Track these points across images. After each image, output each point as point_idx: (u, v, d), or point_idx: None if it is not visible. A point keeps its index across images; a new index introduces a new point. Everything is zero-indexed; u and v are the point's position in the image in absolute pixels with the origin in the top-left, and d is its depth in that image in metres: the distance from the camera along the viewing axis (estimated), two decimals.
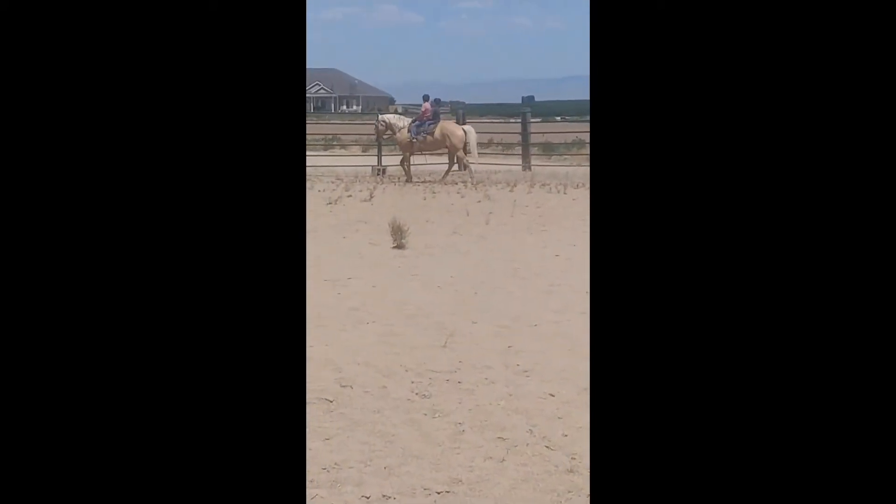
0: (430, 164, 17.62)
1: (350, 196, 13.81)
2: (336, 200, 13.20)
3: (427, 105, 17.13)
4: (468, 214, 11.68)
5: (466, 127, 17.22)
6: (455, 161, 16.58)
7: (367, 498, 3.24)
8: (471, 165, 16.39)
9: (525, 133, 19.93)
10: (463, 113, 21.97)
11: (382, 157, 18.34)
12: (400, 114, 18.72)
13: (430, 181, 16.16)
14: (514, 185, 15.09)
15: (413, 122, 16.86)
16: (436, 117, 16.88)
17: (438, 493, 3.24)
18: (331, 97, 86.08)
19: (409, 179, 16.35)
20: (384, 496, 3.25)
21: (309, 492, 3.26)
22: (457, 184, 15.74)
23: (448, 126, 16.84)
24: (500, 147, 23.50)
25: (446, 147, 16.63)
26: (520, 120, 21.02)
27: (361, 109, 77.01)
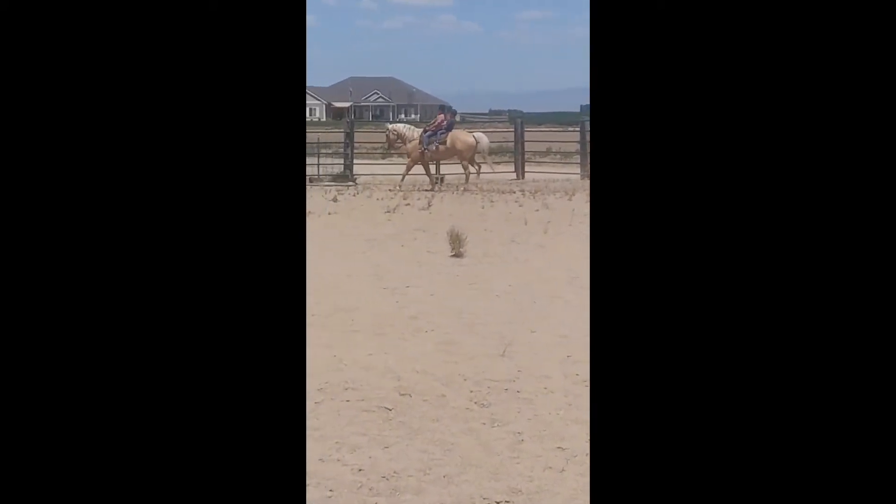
0: (486, 173, 17.62)
1: (408, 204, 13.88)
2: (394, 209, 13.28)
3: (441, 115, 17.41)
4: (526, 223, 11.65)
5: (477, 134, 17.45)
6: (469, 167, 16.82)
7: None
8: (473, 171, 16.65)
9: (583, 142, 19.83)
10: (521, 122, 21.94)
11: (442, 166, 18.41)
12: (407, 123, 18.89)
13: (487, 190, 16.16)
14: (573, 194, 15.01)
15: (424, 131, 16.99)
16: (449, 127, 17.03)
17: (497, 503, 3.24)
18: (389, 106, 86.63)
19: (433, 185, 16.52)
20: None
21: (368, 499, 3.29)
22: (514, 192, 15.73)
23: (458, 134, 17.02)
24: (558, 156, 23.41)
25: (457, 156, 16.83)
26: (578, 129, 20.93)
27: (419, 118, 77.37)
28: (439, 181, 17.27)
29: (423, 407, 4.33)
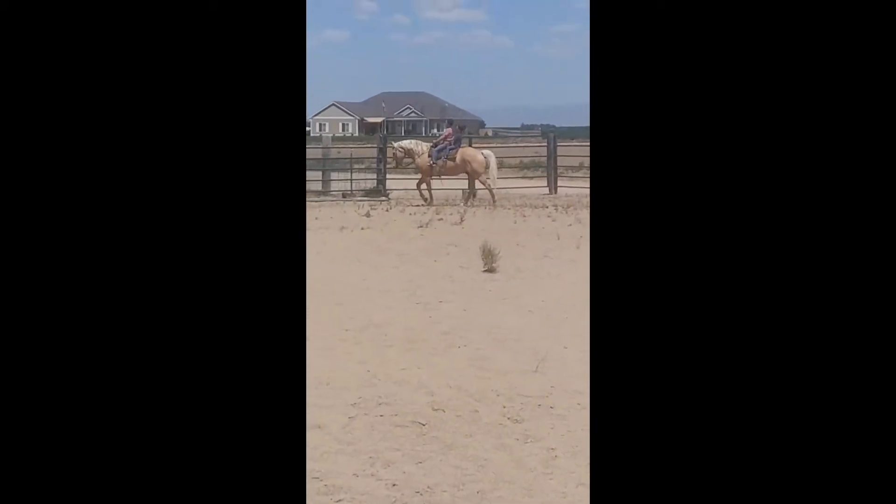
0: (515, 187, 17.61)
1: (441, 219, 13.92)
2: (427, 223, 13.32)
3: (449, 130, 17.47)
4: (559, 238, 11.63)
5: (486, 151, 17.38)
6: (476, 185, 16.82)
7: None
8: (492, 189, 16.56)
9: None
10: (554, 136, 21.93)
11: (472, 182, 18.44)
12: (418, 140, 18.89)
13: (519, 205, 16.16)
14: None
15: (433, 146, 16.99)
16: (457, 143, 17.05)
17: None
18: (422, 120, 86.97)
19: (430, 202, 16.44)
20: None
21: None
22: (546, 207, 15.71)
23: (468, 151, 17.00)
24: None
25: (466, 172, 16.79)
26: None
27: None
28: (472, 196, 17.29)
29: (457, 422, 4.34)
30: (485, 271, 8.97)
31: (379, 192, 18.10)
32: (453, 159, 16.60)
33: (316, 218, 14.19)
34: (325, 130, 72.02)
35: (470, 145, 18.37)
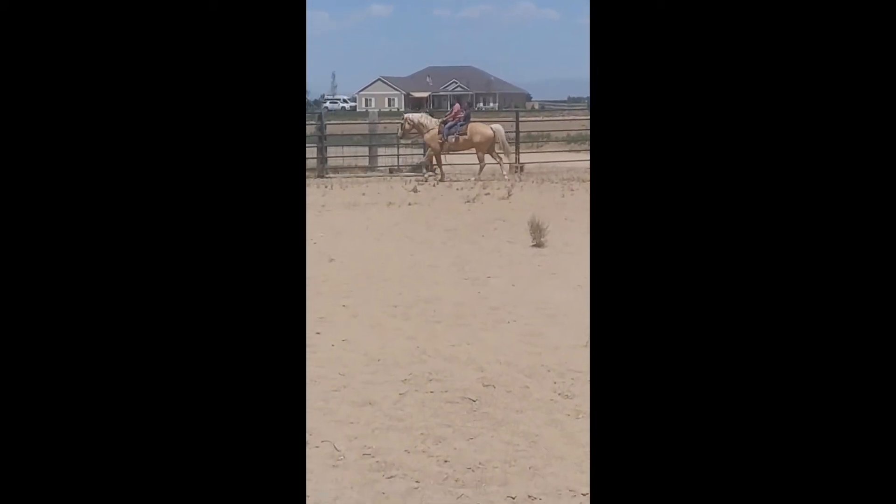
0: (562, 161, 17.49)
1: (488, 194, 13.88)
2: (474, 198, 13.29)
3: (458, 107, 17.44)
4: None
5: (495, 126, 17.31)
6: (485, 160, 16.75)
7: (513, 498, 3.26)
8: (493, 162, 16.63)
9: None
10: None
11: (521, 155, 18.36)
12: (427, 114, 18.79)
13: (567, 178, 16.05)
14: None
15: (443, 122, 16.90)
16: (466, 119, 16.99)
17: (584, 495, 3.23)
18: (467, 94, 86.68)
19: (441, 178, 16.46)
20: (530, 497, 3.26)
21: (454, 491, 3.31)
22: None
23: (476, 127, 16.94)
24: None
25: (474, 146, 16.75)
26: None
27: (498, 107, 77.22)
28: (519, 170, 17.23)
29: (507, 398, 4.34)
30: (533, 246, 8.93)
31: (426, 167, 18.08)
32: (464, 134, 16.61)
33: (363, 194, 14.24)
34: (371, 105, 72.09)
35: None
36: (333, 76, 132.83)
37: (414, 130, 17.19)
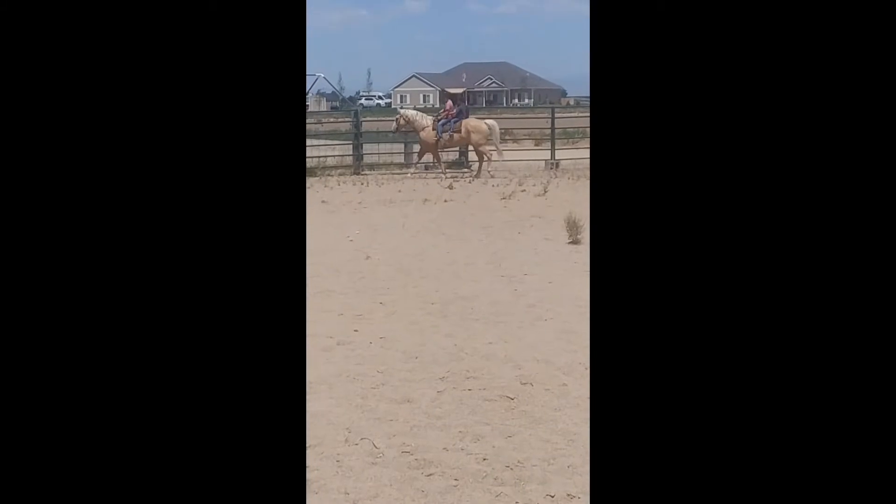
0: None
1: (524, 191, 13.86)
2: (510, 195, 13.27)
3: (450, 104, 17.36)
4: None
5: (489, 122, 17.25)
6: (481, 156, 16.71)
7: (552, 497, 3.26)
8: (491, 158, 16.65)
9: None
10: None
11: (556, 151, 18.29)
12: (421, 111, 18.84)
13: None
14: None
15: (437, 119, 16.85)
16: (460, 115, 16.92)
17: None
18: (503, 91, 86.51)
19: (443, 170, 16.70)
20: (569, 495, 3.26)
21: (493, 489, 3.32)
22: None
23: (471, 122, 16.87)
24: None
25: (470, 143, 16.75)
26: None
27: (533, 103, 76.97)
28: (555, 166, 17.18)
29: (545, 396, 4.33)
30: (569, 243, 8.90)
31: (462, 163, 18.09)
32: (458, 131, 16.60)
33: (399, 191, 14.28)
34: (406, 102, 72.23)
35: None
36: (369, 73, 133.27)
37: (407, 126, 17.18)
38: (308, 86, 33.57)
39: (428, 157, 17.30)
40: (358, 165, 17.43)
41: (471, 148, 17.04)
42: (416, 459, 3.60)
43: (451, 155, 18.57)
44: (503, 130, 18.84)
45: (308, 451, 3.67)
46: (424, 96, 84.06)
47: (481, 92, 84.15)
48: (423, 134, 16.75)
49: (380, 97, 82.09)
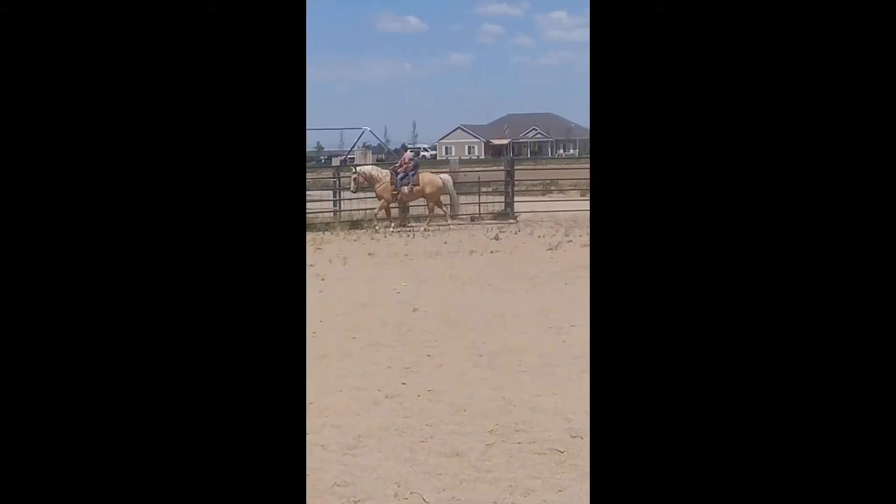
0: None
1: (570, 241, 13.83)
2: (556, 246, 13.26)
3: (408, 154, 17.41)
4: None
5: (443, 176, 17.51)
6: (433, 209, 16.90)
7: None
8: (447, 209, 16.97)
9: None
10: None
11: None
12: (375, 164, 18.91)
13: None
14: None
15: (394, 172, 16.85)
16: (416, 168, 16.98)
17: None
18: (548, 141, 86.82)
19: (399, 222, 16.72)
20: None
21: None
22: None
23: (426, 176, 17.04)
24: None
25: (424, 196, 16.84)
26: None
27: (578, 153, 77.06)
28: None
29: None
30: None
31: (507, 214, 18.14)
32: (417, 184, 16.68)
33: (445, 242, 14.35)
34: (451, 154, 72.81)
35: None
36: (414, 125, 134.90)
37: (366, 183, 17.16)
38: (354, 139, 34.02)
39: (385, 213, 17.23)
40: (404, 217, 17.57)
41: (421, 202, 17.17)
42: None
43: (496, 206, 18.63)
44: (549, 181, 18.88)
45: None
46: (469, 147, 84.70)
47: (526, 143, 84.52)
48: (379, 189, 16.83)
49: (425, 149, 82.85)
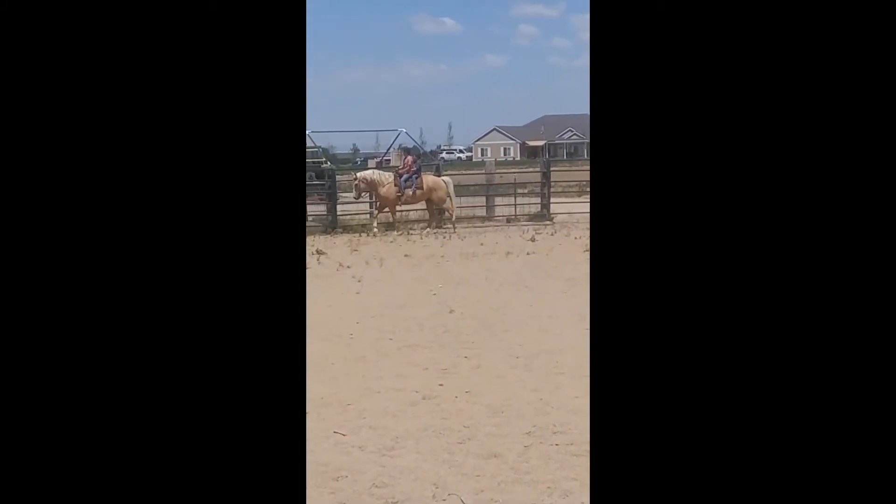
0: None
1: None
2: None
3: (409, 158, 17.23)
4: None
5: (445, 178, 17.38)
6: (439, 211, 16.92)
7: None
8: (453, 213, 16.97)
9: None
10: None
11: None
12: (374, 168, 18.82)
13: None
14: None
15: (398, 175, 16.73)
16: (419, 170, 16.89)
17: None
18: (584, 143, 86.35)
19: (397, 228, 16.54)
20: None
21: None
22: None
23: (432, 179, 16.96)
24: None
25: (430, 199, 16.78)
26: None
27: None
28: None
29: None
30: None
31: (543, 216, 18.10)
32: (420, 187, 16.57)
33: (481, 244, 14.35)
34: (486, 155, 72.75)
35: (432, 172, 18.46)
36: (449, 127, 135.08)
37: (368, 188, 17.00)
38: (390, 141, 34.06)
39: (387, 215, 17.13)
40: (440, 219, 17.60)
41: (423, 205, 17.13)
42: None
43: (531, 208, 18.57)
44: (585, 182, 18.78)
45: None
46: (505, 149, 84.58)
47: (562, 144, 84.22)
48: (382, 191, 16.67)
49: (461, 150, 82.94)
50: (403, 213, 17.55)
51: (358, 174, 17.60)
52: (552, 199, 18.76)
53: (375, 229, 16.45)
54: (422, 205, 17.57)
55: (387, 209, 16.87)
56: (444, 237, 15.53)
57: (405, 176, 16.68)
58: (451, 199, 16.96)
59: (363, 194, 17.17)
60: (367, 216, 17.77)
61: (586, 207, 17.05)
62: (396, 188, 16.61)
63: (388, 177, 16.92)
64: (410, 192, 16.62)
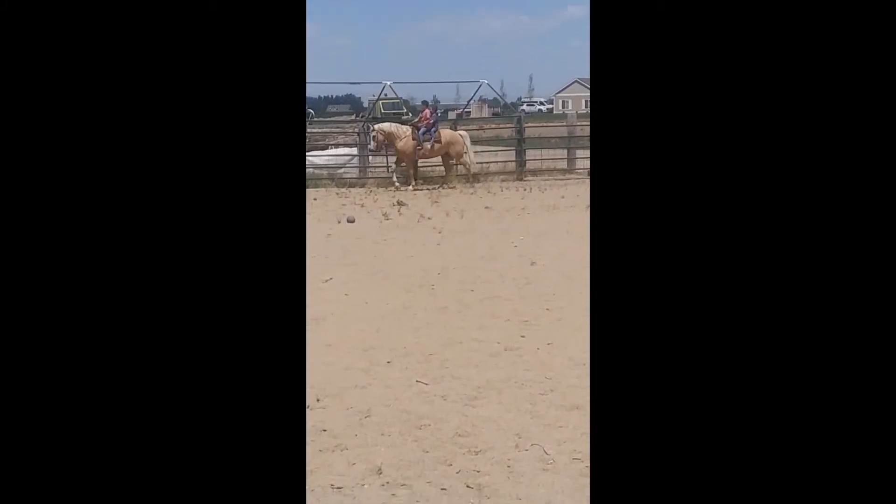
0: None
1: None
2: None
3: (427, 111, 16.71)
4: None
5: (462, 132, 16.85)
6: (459, 166, 16.53)
7: None
8: (469, 167, 16.58)
9: None
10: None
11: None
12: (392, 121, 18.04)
13: None
14: None
15: (416, 128, 16.19)
16: (436, 123, 16.38)
17: None
18: None
19: (415, 184, 16.15)
20: None
21: None
22: None
23: (450, 133, 16.48)
24: None
25: (448, 153, 16.35)
26: None
27: None
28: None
29: None
30: None
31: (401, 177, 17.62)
32: (438, 141, 16.13)
33: (562, 197, 14.23)
34: (568, 107, 71.88)
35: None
36: (531, 78, 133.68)
37: (387, 141, 16.47)
38: (471, 93, 33.87)
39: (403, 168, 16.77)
40: (521, 171, 17.46)
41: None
42: (587, 467, 3.56)
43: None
44: None
45: (478, 456, 3.71)
46: (586, 101, 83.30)
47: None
48: (400, 144, 16.21)
49: (542, 103, 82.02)
50: (483, 164, 17.46)
51: (375, 126, 17.16)
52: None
53: (396, 183, 16.29)
54: (502, 156, 17.41)
55: (404, 163, 16.57)
56: (526, 190, 15.43)
57: (423, 129, 16.34)
58: (468, 153, 16.69)
59: (382, 146, 16.83)
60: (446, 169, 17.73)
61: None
62: (414, 141, 16.29)
63: (405, 130, 16.52)
64: (428, 146, 16.28)
